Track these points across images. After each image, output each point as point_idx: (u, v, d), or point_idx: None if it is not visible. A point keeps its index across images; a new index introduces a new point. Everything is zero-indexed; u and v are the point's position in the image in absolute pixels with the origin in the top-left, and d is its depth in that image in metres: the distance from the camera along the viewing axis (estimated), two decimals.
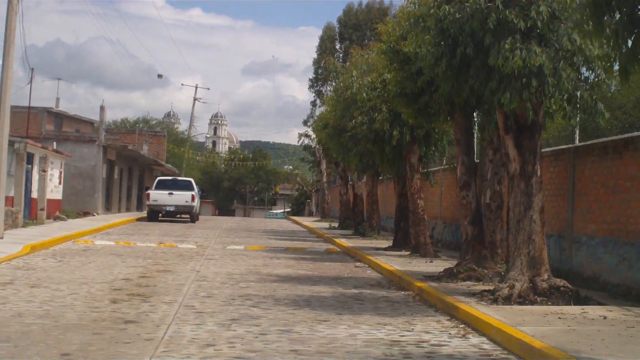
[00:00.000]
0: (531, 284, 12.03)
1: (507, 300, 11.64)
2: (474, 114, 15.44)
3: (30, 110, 47.93)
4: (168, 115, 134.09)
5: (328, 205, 52.46)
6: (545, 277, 12.14)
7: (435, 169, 24.51)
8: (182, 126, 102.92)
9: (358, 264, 19.21)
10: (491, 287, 12.76)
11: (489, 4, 11.23)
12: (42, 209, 28.92)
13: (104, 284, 13.46)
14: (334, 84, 25.36)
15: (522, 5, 11.18)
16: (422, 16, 12.29)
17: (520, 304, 11.56)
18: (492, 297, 11.76)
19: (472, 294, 12.38)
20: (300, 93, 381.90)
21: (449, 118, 15.59)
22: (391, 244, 23.01)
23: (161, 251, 20.74)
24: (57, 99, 56.43)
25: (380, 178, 30.07)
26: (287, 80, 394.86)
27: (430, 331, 10.00)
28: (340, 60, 33.49)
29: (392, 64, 15.67)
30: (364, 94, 20.36)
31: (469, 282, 14.06)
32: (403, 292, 13.92)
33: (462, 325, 10.48)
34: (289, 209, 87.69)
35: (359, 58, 22.86)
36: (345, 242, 25.25)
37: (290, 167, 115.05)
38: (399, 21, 15.54)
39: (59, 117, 52.90)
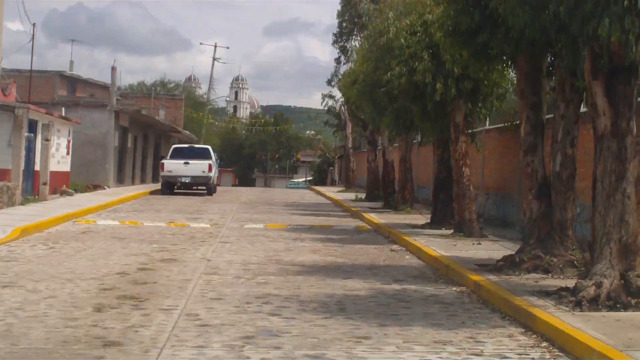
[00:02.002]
0: (622, 281, 9.53)
1: (594, 303, 9.15)
2: (545, 56, 12.52)
3: (42, 75, 45.59)
4: (189, 79, 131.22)
5: (353, 174, 49.68)
6: None
7: (478, 129, 21.58)
8: (203, 90, 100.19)
9: (394, 246, 16.71)
10: (567, 283, 10.31)
11: None
12: (44, 183, 26.53)
13: (92, 281, 11.11)
14: (366, 31, 22.18)
15: None
16: None
17: (610, 307, 9.08)
18: (574, 299, 9.25)
19: (545, 294, 9.90)
20: (322, 54, 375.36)
21: (511, 62, 12.87)
22: (429, 220, 20.36)
23: (170, 232, 18.35)
24: (71, 62, 53.95)
25: (414, 142, 27.32)
26: (309, 40, 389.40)
27: (507, 355, 7.53)
28: (365, 14, 30.48)
29: None
30: (402, 40, 17.37)
31: (535, 275, 11.54)
32: (455, 288, 11.44)
33: (545, 344, 8.00)
34: (310, 177, 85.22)
35: None
36: (375, 217, 22.73)
37: (312, 132, 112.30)
38: None
39: (72, 82, 50.44)
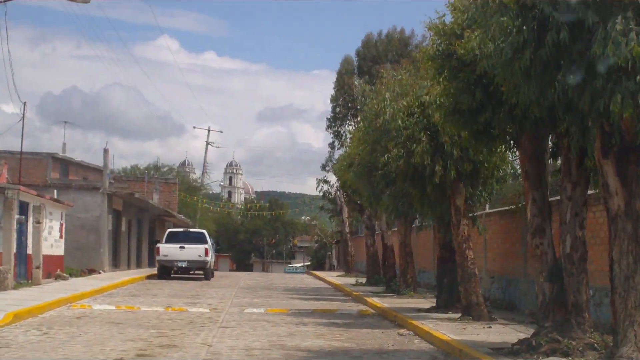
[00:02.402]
0: None
1: None
2: (549, 136, 12.24)
3: (35, 157, 45.24)
4: (183, 164, 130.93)
5: (352, 258, 49.06)
6: None
7: (479, 213, 21.13)
8: (197, 175, 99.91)
9: (401, 330, 16.11)
10: None
11: None
12: (37, 267, 25.87)
13: None
14: (362, 113, 21.85)
15: None
16: None
17: None
18: None
19: None
20: (316, 140, 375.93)
21: (513, 143, 12.56)
22: (434, 304, 19.78)
23: (168, 317, 17.72)
24: (64, 144, 53.70)
25: (413, 226, 26.89)
26: (302, 126, 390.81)
27: None
28: (361, 96, 30.43)
29: (441, 73, 12.36)
30: (399, 121, 17.02)
31: (554, 358, 10.96)
32: None
33: None
34: (308, 262, 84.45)
35: (390, 79, 19.57)
36: (378, 302, 22.13)
37: (308, 217, 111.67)
38: (453, 12, 12.31)
39: (65, 164, 50.10)
